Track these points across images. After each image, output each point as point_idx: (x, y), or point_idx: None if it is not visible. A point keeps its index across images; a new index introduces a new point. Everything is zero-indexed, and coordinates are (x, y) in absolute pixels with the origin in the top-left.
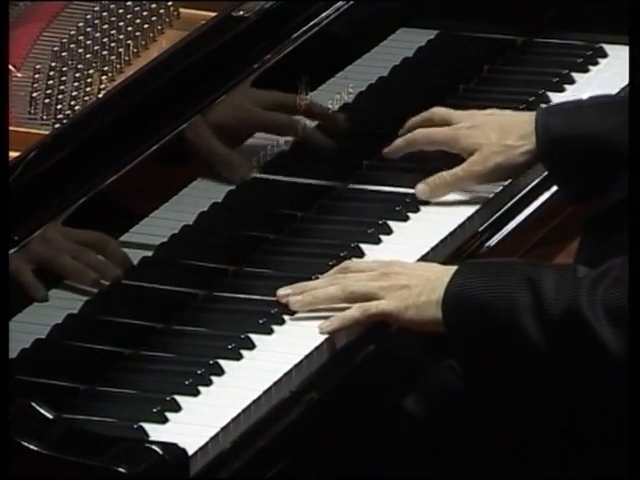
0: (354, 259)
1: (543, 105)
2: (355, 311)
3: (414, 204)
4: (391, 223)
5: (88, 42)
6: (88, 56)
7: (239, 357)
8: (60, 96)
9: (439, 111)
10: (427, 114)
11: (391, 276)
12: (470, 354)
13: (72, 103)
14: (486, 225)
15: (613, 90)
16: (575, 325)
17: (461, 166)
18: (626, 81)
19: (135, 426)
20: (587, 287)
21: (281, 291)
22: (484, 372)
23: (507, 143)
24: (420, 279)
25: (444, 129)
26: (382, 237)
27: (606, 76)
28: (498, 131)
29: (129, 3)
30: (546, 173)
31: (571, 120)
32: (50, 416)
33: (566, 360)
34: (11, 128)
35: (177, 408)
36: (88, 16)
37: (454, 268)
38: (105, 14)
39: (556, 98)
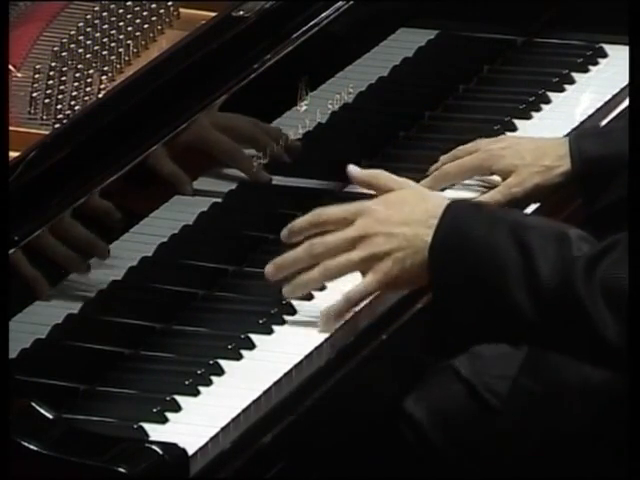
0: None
1: (544, 106)
2: (343, 304)
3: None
4: None
5: (88, 42)
6: (88, 56)
7: (239, 357)
8: (60, 96)
9: (465, 147)
10: (456, 152)
11: (370, 240)
12: (459, 317)
13: (72, 103)
14: None
15: (613, 90)
16: (570, 305)
17: (498, 189)
18: (626, 81)
19: (135, 426)
20: (585, 266)
21: (268, 269)
22: (472, 333)
23: (545, 164)
24: (399, 239)
25: (475, 155)
26: None
27: (606, 76)
28: (533, 152)
29: (129, 3)
30: None
31: (603, 141)
32: (50, 416)
33: (559, 337)
34: (11, 128)
35: (177, 408)
36: (88, 16)
37: (432, 217)
38: (105, 14)
39: (556, 98)
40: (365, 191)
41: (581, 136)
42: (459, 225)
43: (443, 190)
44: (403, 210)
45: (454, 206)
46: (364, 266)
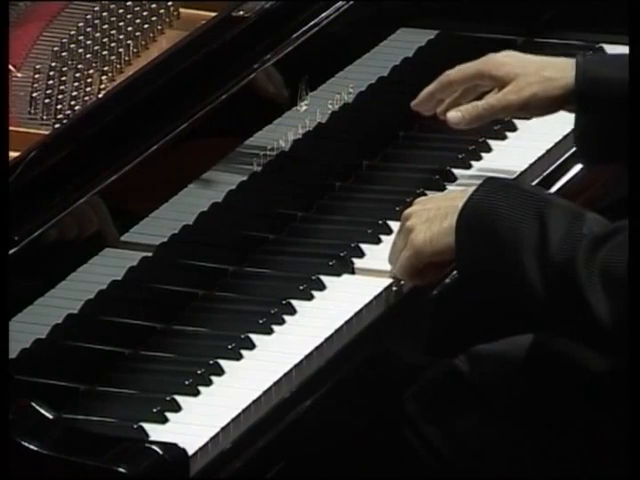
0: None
1: None
2: (405, 259)
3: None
4: (391, 223)
5: (88, 42)
6: (88, 56)
7: (239, 357)
8: (60, 96)
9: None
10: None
11: (409, 219)
12: (479, 279)
13: (72, 103)
14: None
15: None
16: (569, 280)
17: (495, 95)
18: None
19: (135, 426)
20: (589, 245)
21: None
22: (488, 294)
23: (545, 75)
24: (432, 211)
25: (476, 60)
26: (382, 237)
27: None
28: (537, 63)
29: (129, 3)
30: (551, 168)
31: (610, 64)
32: (50, 416)
33: (557, 311)
34: (11, 128)
35: (177, 408)
36: (88, 16)
37: (467, 193)
38: (105, 14)
39: None
40: (367, 194)
41: (591, 57)
42: (490, 195)
43: None
44: (444, 194)
45: (490, 180)
46: (402, 243)
